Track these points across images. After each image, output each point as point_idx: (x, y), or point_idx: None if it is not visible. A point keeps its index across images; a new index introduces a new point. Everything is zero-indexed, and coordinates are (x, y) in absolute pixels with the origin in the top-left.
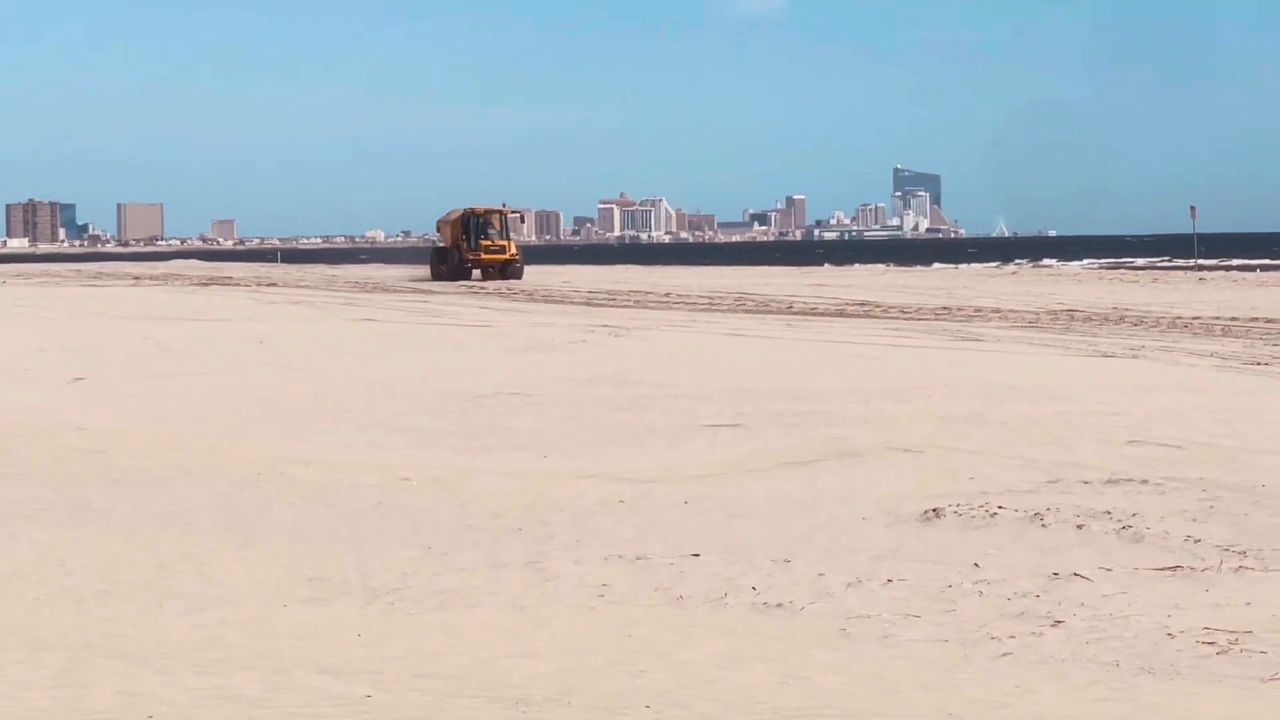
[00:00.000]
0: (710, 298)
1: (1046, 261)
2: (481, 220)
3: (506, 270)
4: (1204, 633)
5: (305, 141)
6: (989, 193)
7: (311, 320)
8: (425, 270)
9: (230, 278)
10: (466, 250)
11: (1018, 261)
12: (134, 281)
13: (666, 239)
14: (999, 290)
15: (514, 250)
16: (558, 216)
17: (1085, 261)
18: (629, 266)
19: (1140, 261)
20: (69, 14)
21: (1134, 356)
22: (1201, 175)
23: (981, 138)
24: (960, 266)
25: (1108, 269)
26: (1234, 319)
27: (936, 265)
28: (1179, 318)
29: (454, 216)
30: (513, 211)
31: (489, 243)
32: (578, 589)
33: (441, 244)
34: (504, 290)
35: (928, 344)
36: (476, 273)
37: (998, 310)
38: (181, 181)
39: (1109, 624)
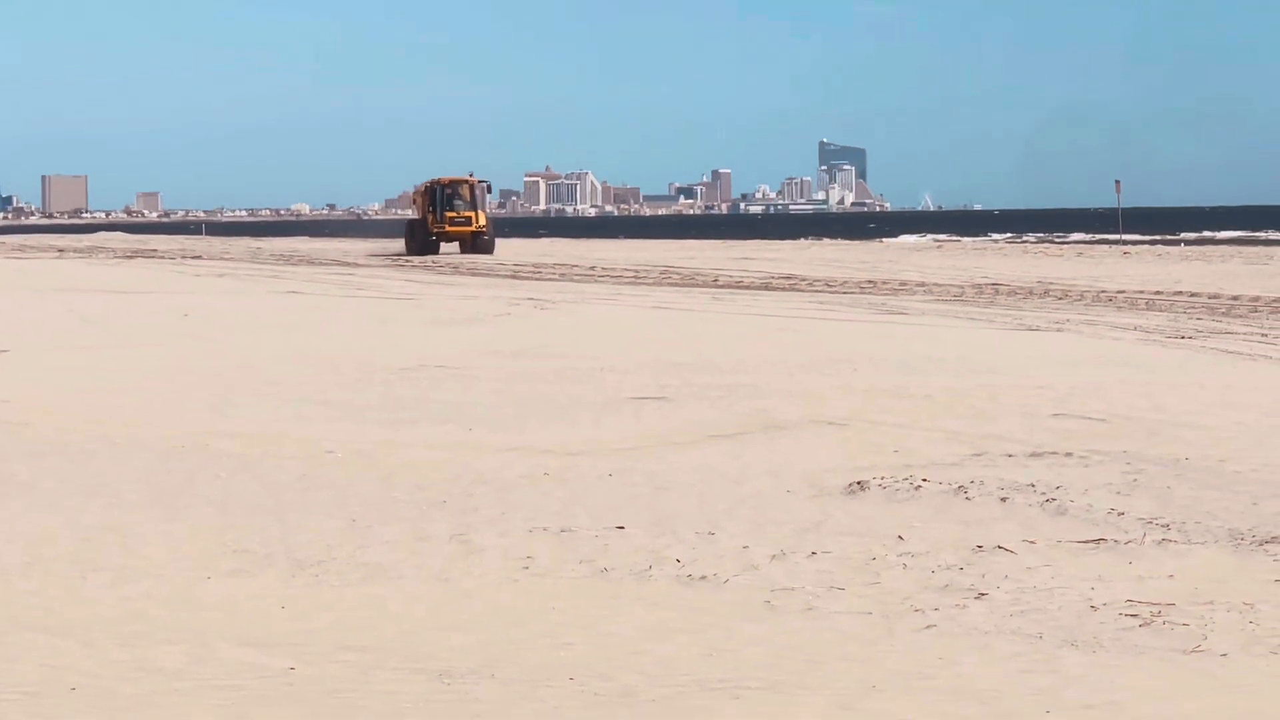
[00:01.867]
0: (636, 271)
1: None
2: (448, 191)
3: (475, 243)
4: (1127, 605)
5: (230, 114)
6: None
7: (236, 293)
8: (397, 245)
9: (155, 250)
10: (432, 223)
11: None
12: (58, 254)
13: (592, 212)
14: (924, 264)
15: (482, 222)
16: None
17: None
18: (554, 239)
19: (1032, 237)
20: None
21: (1058, 330)
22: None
23: (906, 113)
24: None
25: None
26: (1158, 293)
27: (826, 240)
28: (1103, 292)
29: (423, 187)
30: (480, 181)
31: (454, 214)
32: (502, 561)
33: (415, 217)
34: (429, 263)
35: (853, 317)
36: (453, 245)
37: (923, 284)
38: (106, 154)
39: (1032, 596)
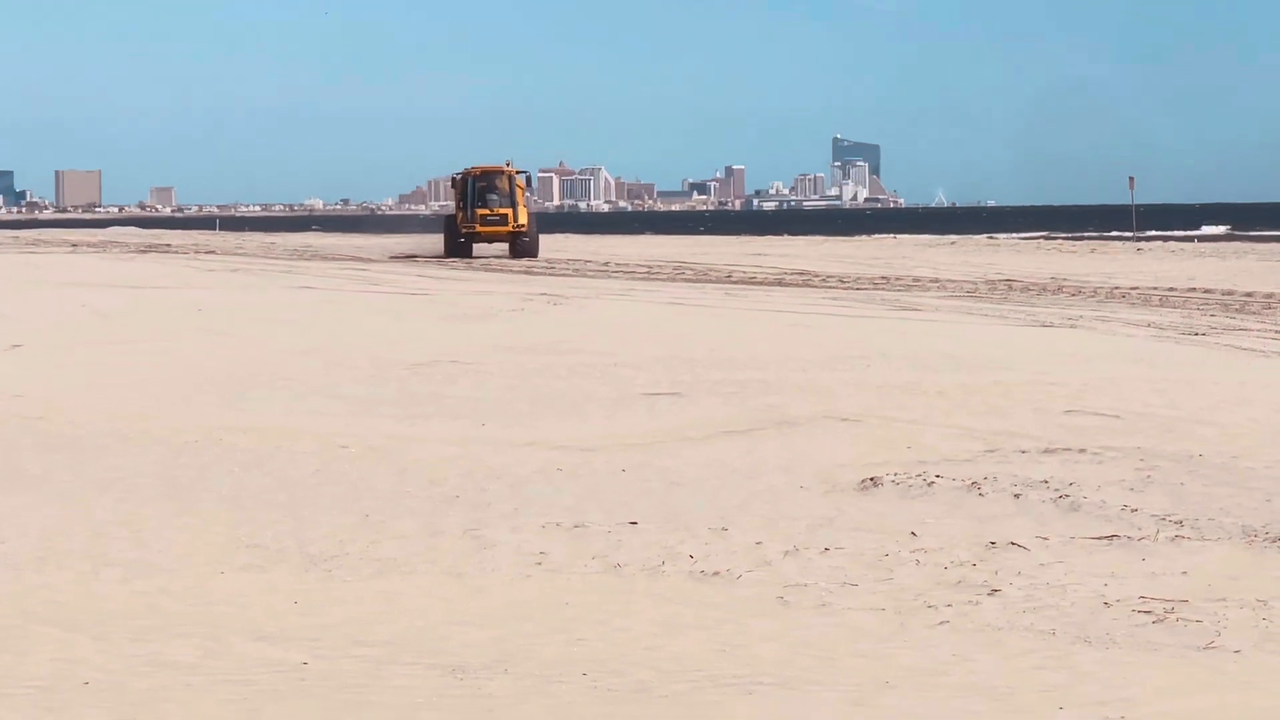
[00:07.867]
0: (649, 266)
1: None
2: (481, 184)
3: (514, 245)
4: (1140, 602)
5: (244, 109)
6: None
7: (250, 288)
8: (430, 243)
9: (169, 245)
10: (462, 220)
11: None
12: (72, 248)
13: (605, 208)
14: (937, 260)
15: (521, 220)
16: None
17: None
18: (568, 235)
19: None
20: None
21: (1072, 326)
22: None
23: (921, 109)
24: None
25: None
26: (1171, 289)
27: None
28: (1117, 288)
29: (459, 176)
30: (520, 171)
31: (487, 211)
32: (515, 557)
33: (454, 211)
34: (441, 260)
35: (866, 313)
36: (500, 247)
37: (936, 280)
38: (120, 148)
39: (1046, 593)
